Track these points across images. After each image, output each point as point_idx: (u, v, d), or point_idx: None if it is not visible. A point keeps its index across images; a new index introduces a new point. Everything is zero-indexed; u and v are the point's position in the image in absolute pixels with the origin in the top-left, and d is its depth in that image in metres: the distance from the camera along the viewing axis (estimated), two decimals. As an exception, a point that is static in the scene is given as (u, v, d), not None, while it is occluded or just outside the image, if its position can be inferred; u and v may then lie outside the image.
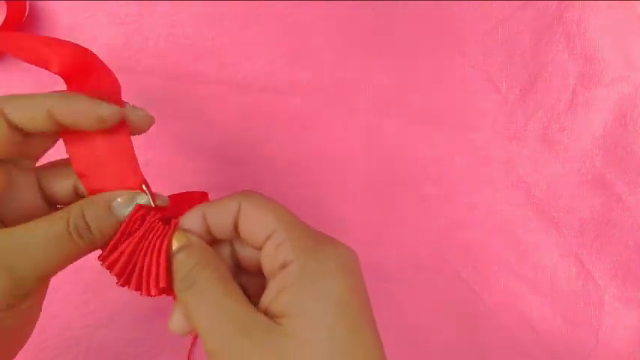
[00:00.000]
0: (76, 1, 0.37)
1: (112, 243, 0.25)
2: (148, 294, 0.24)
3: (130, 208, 0.24)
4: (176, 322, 0.24)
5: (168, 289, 0.24)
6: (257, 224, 0.23)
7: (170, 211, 0.26)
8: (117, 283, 0.25)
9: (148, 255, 0.24)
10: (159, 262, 0.24)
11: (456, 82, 0.40)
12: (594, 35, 0.40)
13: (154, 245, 0.24)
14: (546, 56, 0.40)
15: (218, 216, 0.24)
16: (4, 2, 0.35)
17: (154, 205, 0.25)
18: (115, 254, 0.24)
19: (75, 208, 0.24)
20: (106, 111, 0.24)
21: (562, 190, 0.40)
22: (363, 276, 0.24)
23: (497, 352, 0.39)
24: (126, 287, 0.25)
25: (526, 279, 0.40)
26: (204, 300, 0.22)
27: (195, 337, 0.38)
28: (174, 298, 0.24)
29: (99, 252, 0.25)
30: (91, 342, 0.38)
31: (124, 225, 0.24)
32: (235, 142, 0.39)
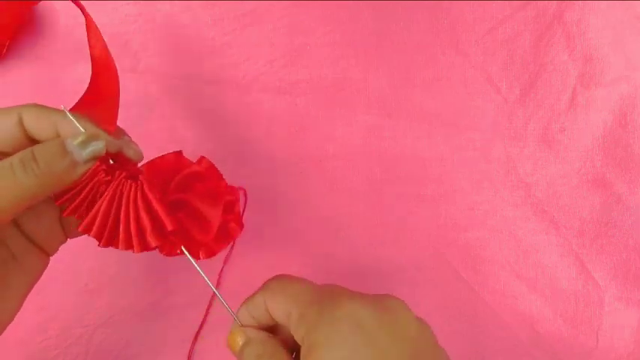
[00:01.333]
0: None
1: (73, 191, 0.24)
2: (146, 248, 0.25)
3: (89, 151, 0.24)
4: None
5: (173, 235, 0.25)
6: (278, 309, 0.26)
7: (138, 172, 0.26)
8: (98, 245, 0.25)
9: (131, 212, 0.25)
10: (150, 213, 0.25)
11: (456, 82, 0.40)
12: (594, 35, 0.40)
13: (134, 201, 0.25)
14: (546, 56, 0.40)
15: (255, 308, 0.27)
16: (2, 2, 0.35)
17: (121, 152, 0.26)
18: (89, 217, 0.24)
19: (27, 149, 0.23)
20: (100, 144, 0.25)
21: (562, 190, 0.40)
22: (380, 325, 0.23)
23: (497, 352, 0.39)
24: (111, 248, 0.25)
25: (526, 279, 0.40)
26: None
27: (196, 337, 0.38)
28: (165, 249, 0.26)
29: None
30: (91, 342, 0.38)
31: (86, 175, 0.24)
32: (235, 142, 0.39)
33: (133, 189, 0.25)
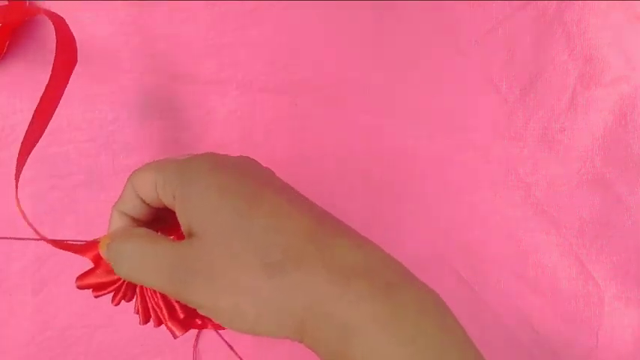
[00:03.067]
0: (76, 1, 0.37)
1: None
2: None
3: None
4: None
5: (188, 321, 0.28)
6: (145, 185, 0.26)
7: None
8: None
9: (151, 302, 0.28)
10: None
11: (456, 82, 0.40)
12: (594, 35, 0.40)
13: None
14: (546, 56, 0.40)
15: (125, 202, 0.27)
16: (3, 2, 0.35)
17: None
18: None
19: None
20: None
21: (562, 190, 0.40)
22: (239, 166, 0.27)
23: (497, 352, 0.39)
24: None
25: (526, 279, 0.40)
26: (137, 262, 0.25)
27: (199, 333, 0.38)
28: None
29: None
30: (91, 342, 0.38)
31: None
32: (235, 142, 0.39)
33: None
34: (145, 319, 0.28)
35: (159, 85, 0.38)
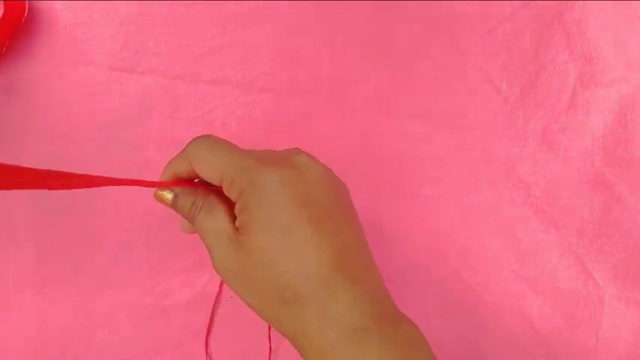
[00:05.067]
0: (76, 1, 0.37)
1: None
2: None
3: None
4: (183, 225, 0.31)
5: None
6: (207, 173, 0.28)
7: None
8: None
9: None
10: None
11: (456, 82, 0.40)
12: (594, 35, 0.40)
13: None
14: (546, 56, 0.40)
15: (181, 169, 0.29)
16: (2, 2, 0.35)
17: None
18: None
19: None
20: None
21: (562, 190, 0.40)
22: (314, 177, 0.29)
23: (497, 352, 0.39)
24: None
25: (526, 279, 0.40)
26: (205, 226, 0.28)
27: (209, 331, 0.38)
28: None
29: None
30: (91, 342, 0.38)
31: None
32: (235, 142, 0.39)
33: None
34: None
35: (159, 85, 0.39)
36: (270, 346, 0.37)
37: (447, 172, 0.40)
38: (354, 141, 0.40)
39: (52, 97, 0.37)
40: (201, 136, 0.29)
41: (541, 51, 0.40)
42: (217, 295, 0.38)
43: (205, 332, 0.38)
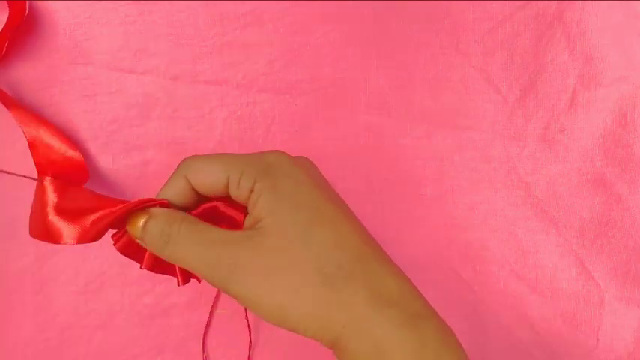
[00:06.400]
0: (76, 1, 0.37)
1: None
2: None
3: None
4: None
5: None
6: (211, 178, 0.27)
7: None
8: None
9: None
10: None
11: (456, 82, 0.40)
12: (594, 35, 0.40)
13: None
14: (546, 56, 0.40)
15: (176, 193, 0.28)
16: (5, 2, 0.35)
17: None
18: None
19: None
20: None
21: (562, 190, 0.40)
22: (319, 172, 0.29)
23: (497, 351, 0.39)
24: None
25: (526, 279, 0.40)
26: (181, 246, 0.26)
27: (206, 332, 0.38)
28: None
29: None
30: (91, 342, 0.38)
31: None
32: (235, 142, 0.39)
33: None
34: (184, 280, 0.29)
35: (159, 85, 0.39)
36: (250, 339, 0.38)
37: (447, 172, 0.40)
38: (354, 141, 0.40)
39: (52, 97, 0.37)
40: (190, 156, 0.28)
41: (541, 51, 0.40)
42: (217, 295, 0.38)
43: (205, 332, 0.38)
